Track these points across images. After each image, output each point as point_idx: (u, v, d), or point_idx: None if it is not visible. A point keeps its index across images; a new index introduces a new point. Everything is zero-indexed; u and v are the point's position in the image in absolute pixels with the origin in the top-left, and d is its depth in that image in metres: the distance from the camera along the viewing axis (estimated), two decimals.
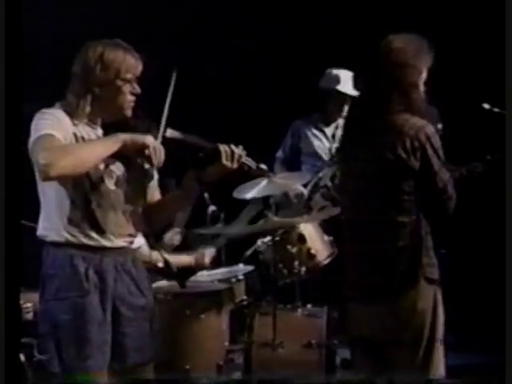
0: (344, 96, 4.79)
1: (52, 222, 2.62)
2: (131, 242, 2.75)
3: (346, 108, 4.82)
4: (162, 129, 2.67)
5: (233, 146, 2.76)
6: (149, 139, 2.61)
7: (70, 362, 2.56)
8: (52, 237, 2.62)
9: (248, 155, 2.86)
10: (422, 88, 2.78)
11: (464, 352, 4.01)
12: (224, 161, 2.74)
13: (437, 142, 2.69)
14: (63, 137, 2.53)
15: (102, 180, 2.64)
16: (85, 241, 2.62)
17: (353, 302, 2.87)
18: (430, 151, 2.67)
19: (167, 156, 2.64)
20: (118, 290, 2.68)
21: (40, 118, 2.54)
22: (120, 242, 2.69)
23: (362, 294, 2.82)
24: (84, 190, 2.61)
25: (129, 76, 2.66)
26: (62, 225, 2.60)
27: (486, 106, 3.60)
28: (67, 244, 2.60)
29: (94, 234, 2.63)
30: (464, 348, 3.89)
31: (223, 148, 2.75)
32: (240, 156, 2.77)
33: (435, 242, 2.81)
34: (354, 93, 4.75)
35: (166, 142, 2.67)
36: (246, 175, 2.87)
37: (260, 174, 2.86)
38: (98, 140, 2.65)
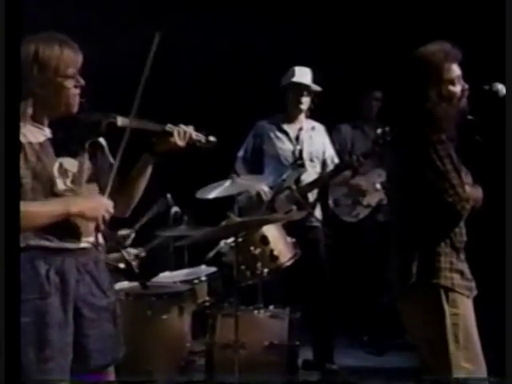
0: (299, 87, 4.80)
1: None
2: (92, 242, 2.72)
3: (305, 100, 4.84)
4: (130, 121, 2.62)
5: (183, 126, 2.77)
6: (99, 211, 2.55)
7: (30, 365, 2.50)
8: None
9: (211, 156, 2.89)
10: (456, 96, 2.86)
11: None
12: (177, 139, 2.75)
13: (442, 149, 2.76)
14: None
15: (53, 182, 2.57)
16: (45, 243, 2.57)
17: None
18: (433, 156, 2.75)
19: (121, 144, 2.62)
20: (80, 291, 2.63)
21: None
22: (81, 243, 2.65)
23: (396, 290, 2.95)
24: (37, 194, 2.54)
25: (70, 71, 2.57)
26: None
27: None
28: (27, 248, 2.54)
29: (53, 238, 2.58)
30: None
31: (174, 129, 2.75)
32: (190, 134, 2.78)
33: None
34: (309, 83, 4.79)
35: (118, 130, 2.62)
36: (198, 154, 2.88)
37: (211, 147, 2.86)
38: (46, 204, 2.53)
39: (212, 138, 2.86)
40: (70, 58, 2.57)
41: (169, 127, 2.76)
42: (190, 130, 2.79)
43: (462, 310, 2.80)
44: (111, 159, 2.72)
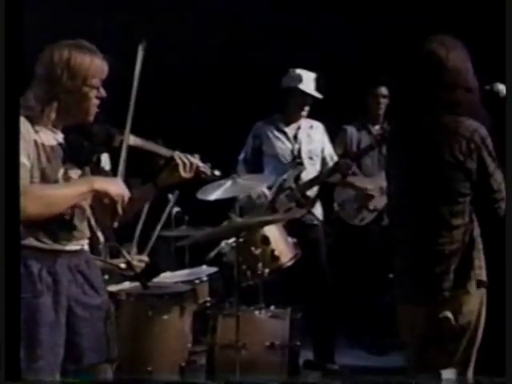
0: (305, 96, 4.80)
1: None
2: (85, 245, 2.74)
3: (307, 108, 4.85)
4: (126, 136, 2.64)
5: (190, 157, 2.80)
6: (121, 190, 2.58)
7: (20, 363, 2.51)
8: None
9: (209, 158, 2.91)
10: (476, 91, 2.79)
11: None
12: (182, 172, 2.78)
13: (490, 143, 2.72)
14: (27, 157, 2.49)
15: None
16: (38, 244, 2.58)
17: (404, 302, 2.87)
18: (485, 153, 2.70)
19: (129, 162, 2.64)
20: (73, 291, 2.64)
21: None
22: (74, 246, 2.67)
23: (414, 294, 2.82)
24: None
25: (95, 81, 2.61)
26: None
27: None
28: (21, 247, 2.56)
29: (46, 240, 2.59)
30: None
31: (181, 160, 2.78)
32: (197, 166, 2.81)
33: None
34: (315, 93, 4.80)
35: (128, 149, 2.65)
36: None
37: (214, 180, 2.90)
38: (70, 185, 2.58)
39: (217, 172, 2.90)
40: (98, 68, 2.62)
41: (177, 155, 2.78)
42: (196, 161, 2.81)
43: None
44: None
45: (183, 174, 2.79)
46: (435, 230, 2.75)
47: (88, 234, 2.75)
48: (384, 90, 5.20)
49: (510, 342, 2.56)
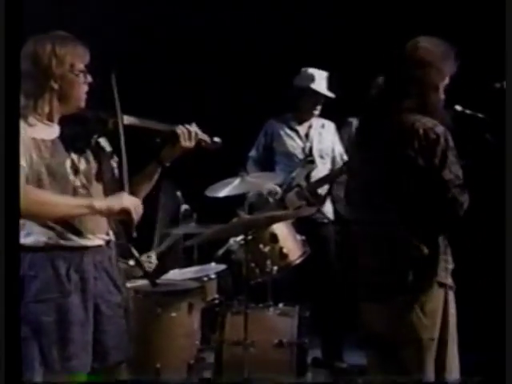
0: (318, 95, 4.80)
1: (26, 228, 2.56)
2: (107, 240, 2.74)
3: (319, 107, 4.85)
4: (119, 118, 2.63)
5: (188, 126, 2.79)
6: (126, 202, 2.59)
7: (54, 364, 2.52)
8: (29, 242, 2.55)
9: (219, 155, 2.92)
10: (442, 93, 2.81)
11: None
12: (183, 142, 2.77)
13: (447, 142, 2.70)
14: (24, 158, 2.49)
15: (67, 178, 2.61)
16: (63, 242, 2.59)
17: (364, 300, 2.91)
18: (438, 151, 2.69)
19: (126, 143, 2.63)
20: (98, 289, 2.66)
21: None
22: (97, 241, 2.68)
23: (374, 293, 2.85)
24: (54, 190, 2.56)
25: (81, 66, 2.64)
26: (38, 230, 2.56)
27: (459, 107, 3.60)
28: (46, 247, 2.57)
29: (70, 236, 2.60)
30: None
31: (181, 130, 2.76)
32: (196, 134, 2.80)
33: None
34: (327, 92, 4.80)
35: (123, 129, 2.63)
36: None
37: (215, 148, 2.87)
38: (71, 201, 2.58)
39: (216, 139, 2.87)
40: (81, 54, 2.65)
41: (176, 128, 2.77)
42: (195, 129, 2.80)
43: None
44: (113, 163, 2.73)
45: (184, 144, 2.77)
46: (396, 231, 2.76)
47: (107, 226, 2.74)
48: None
49: (510, 343, 2.55)
